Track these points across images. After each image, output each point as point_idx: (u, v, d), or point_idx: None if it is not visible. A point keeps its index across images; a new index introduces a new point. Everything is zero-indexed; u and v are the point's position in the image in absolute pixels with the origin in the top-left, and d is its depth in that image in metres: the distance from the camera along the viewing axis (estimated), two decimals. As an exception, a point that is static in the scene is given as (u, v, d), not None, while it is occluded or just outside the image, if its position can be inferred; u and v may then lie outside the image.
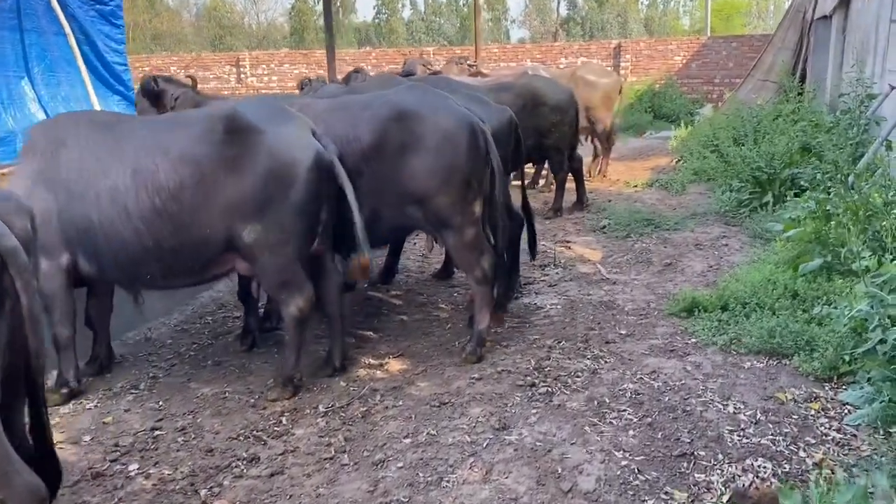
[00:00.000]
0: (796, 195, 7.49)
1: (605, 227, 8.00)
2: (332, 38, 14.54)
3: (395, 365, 4.68)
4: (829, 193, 6.14)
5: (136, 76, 25.63)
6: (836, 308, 4.28)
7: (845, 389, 3.91)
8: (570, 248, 7.41)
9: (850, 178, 6.46)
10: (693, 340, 4.81)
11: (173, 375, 4.67)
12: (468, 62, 11.59)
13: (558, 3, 60.51)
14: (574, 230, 8.10)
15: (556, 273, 6.58)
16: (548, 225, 8.33)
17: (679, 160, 11.59)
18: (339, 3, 60.08)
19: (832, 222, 5.49)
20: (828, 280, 5.20)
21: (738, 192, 8.15)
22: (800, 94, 12.33)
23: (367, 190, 4.42)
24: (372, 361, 4.73)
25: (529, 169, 10.14)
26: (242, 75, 23.32)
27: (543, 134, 8.25)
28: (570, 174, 8.90)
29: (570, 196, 9.10)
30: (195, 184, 3.87)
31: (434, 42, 55.06)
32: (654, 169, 11.94)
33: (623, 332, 5.09)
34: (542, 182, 10.56)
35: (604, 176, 11.34)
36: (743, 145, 9.28)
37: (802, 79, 14.01)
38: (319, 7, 60.98)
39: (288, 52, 23.77)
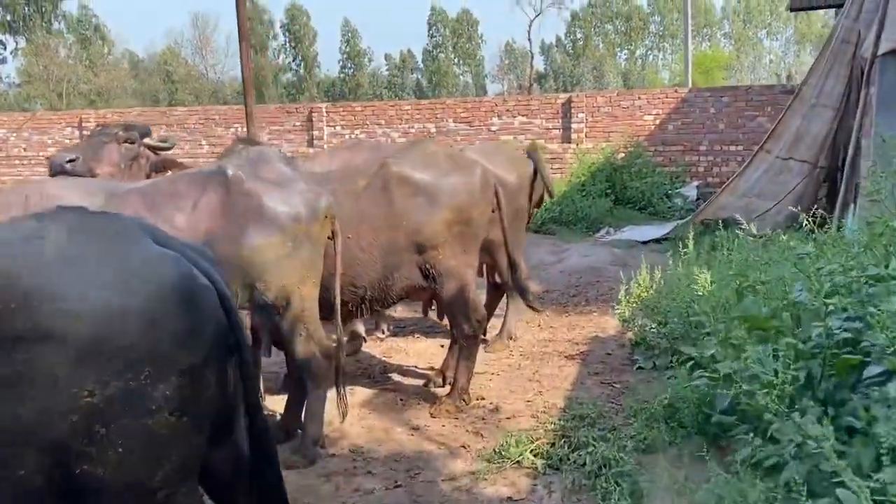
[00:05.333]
0: None
1: None
2: None
3: None
4: None
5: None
6: None
7: None
8: None
9: None
10: None
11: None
12: (139, 130, 4.85)
13: (532, 56, 55.15)
14: None
15: None
16: None
17: (636, 345, 5.24)
18: (300, 57, 54.78)
19: None
20: None
21: None
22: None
23: None
24: None
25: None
26: (87, 139, 17.17)
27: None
28: None
29: None
30: None
31: (394, 97, 49.46)
32: (590, 345, 5.59)
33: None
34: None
35: (510, 339, 5.92)
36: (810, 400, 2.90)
37: (851, 159, 7.79)
38: (280, 61, 55.59)
39: (142, 110, 17.71)
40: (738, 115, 13.85)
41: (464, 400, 4.54)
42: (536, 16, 52.96)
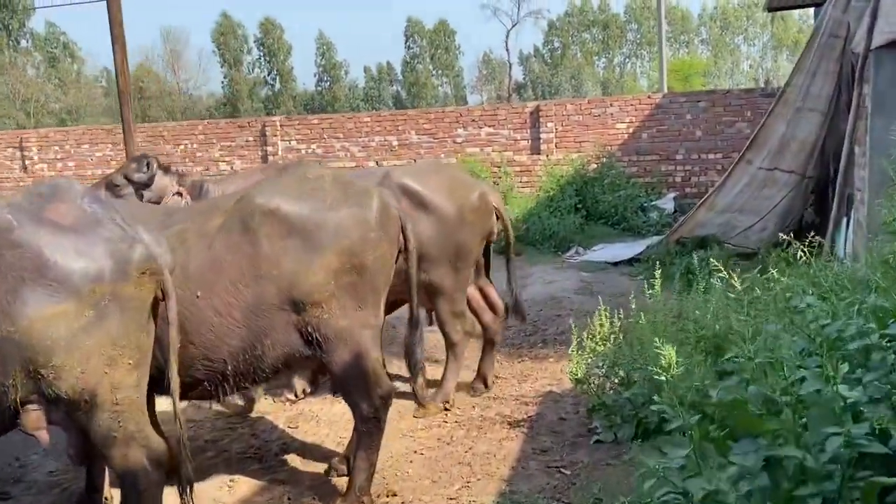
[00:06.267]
0: None
1: None
2: None
3: None
4: None
5: None
6: None
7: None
8: None
9: None
10: None
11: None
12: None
13: (510, 66, 54.32)
14: None
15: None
16: None
17: (593, 410, 4.16)
18: (276, 71, 53.72)
19: None
20: None
21: None
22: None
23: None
24: None
25: None
26: (28, 161, 15.91)
27: None
28: None
29: None
30: None
31: (372, 109, 48.41)
32: (541, 405, 4.52)
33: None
34: None
35: (445, 408, 4.64)
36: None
37: (843, 169, 6.79)
38: (255, 74, 54.48)
39: (86, 129, 16.53)
40: (716, 122, 12.88)
41: (363, 502, 3.43)
42: (513, 26, 52.26)
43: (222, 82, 52.10)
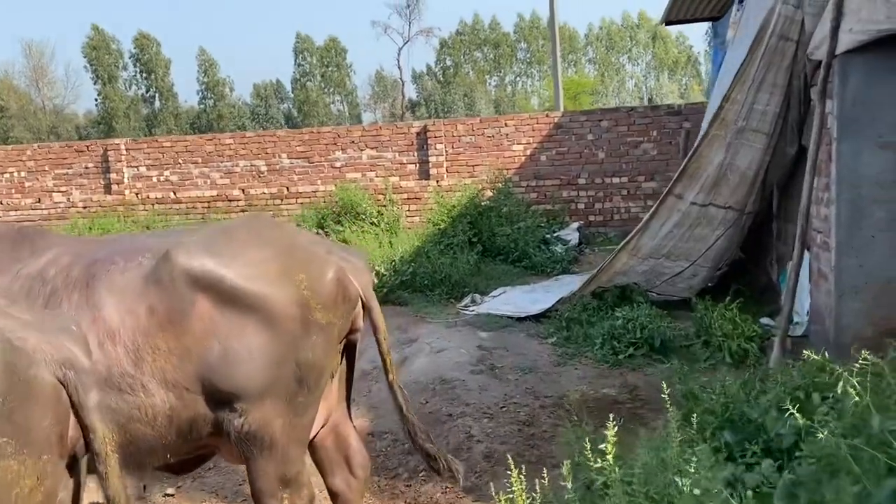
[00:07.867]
0: None
1: None
2: None
3: None
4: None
5: None
6: None
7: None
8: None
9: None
10: None
11: None
12: None
13: (402, 84, 52.71)
14: None
15: None
16: None
17: None
18: (155, 88, 49.81)
19: None
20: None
21: None
22: None
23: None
24: None
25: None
26: None
27: None
28: None
29: None
30: None
31: (259, 127, 45.50)
32: None
33: None
34: None
35: None
36: None
37: (805, 207, 5.30)
38: (132, 92, 50.33)
39: None
40: (619, 142, 11.54)
41: None
42: (405, 44, 50.77)
43: (96, 100, 47.78)
